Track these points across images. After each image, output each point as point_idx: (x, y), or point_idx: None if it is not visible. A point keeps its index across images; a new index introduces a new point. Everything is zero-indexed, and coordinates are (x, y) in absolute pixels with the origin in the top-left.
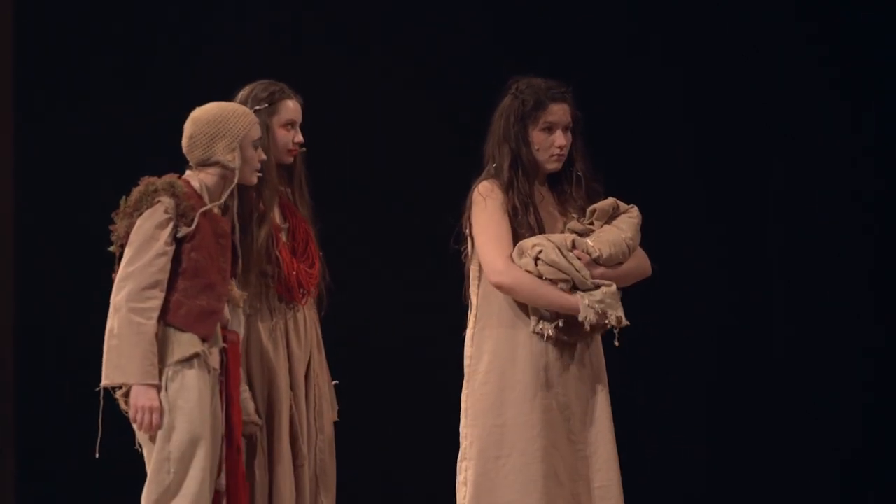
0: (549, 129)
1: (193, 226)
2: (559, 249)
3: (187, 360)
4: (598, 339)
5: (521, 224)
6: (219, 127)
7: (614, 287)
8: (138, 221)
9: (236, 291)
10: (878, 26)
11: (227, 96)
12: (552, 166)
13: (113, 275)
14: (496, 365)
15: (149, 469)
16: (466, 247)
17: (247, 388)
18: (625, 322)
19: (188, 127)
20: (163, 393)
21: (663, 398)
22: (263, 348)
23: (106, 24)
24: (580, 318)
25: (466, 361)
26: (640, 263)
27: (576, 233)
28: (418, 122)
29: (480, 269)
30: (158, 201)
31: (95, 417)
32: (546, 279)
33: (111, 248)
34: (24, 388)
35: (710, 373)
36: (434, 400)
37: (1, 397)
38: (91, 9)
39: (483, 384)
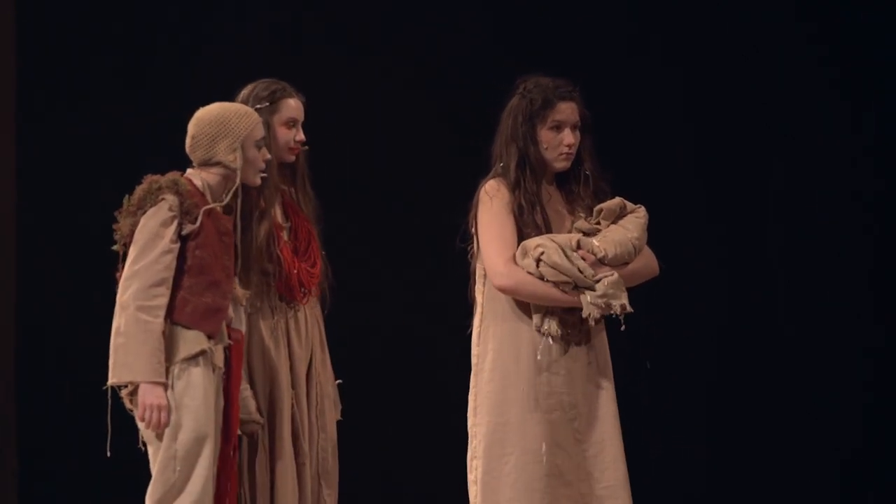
0: (558, 127)
1: (197, 224)
2: (562, 250)
3: (193, 358)
4: (604, 337)
5: (527, 223)
6: (220, 127)
7: (615, 275)
8: (142, 220)
9: (238, 290)
10: (878, 26)
11: (228, 96)
12: (560, 165)
13: (117, 274)
14: (500, 363)
15: (153, 467)
16: (472, 245)
17: (248, 386)
18: (629, 309)
19: (191, 127)
20: (169, 391)
21: (665, 398)
22: (265, 347)
23: (106, 24)
24: (584, 315)
25: (473, 360)
26: (647, 263)
27: (582, 232)
28: (418, 122)
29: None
30: (162, 199)
31: (96, 417)
32: (547, 281)
33: (115, 247)
34: (24, 388)
35: (710, 373)
36: (434, 400)
37: (1, 397)
38: (91, 9)
39: (488, 382)
